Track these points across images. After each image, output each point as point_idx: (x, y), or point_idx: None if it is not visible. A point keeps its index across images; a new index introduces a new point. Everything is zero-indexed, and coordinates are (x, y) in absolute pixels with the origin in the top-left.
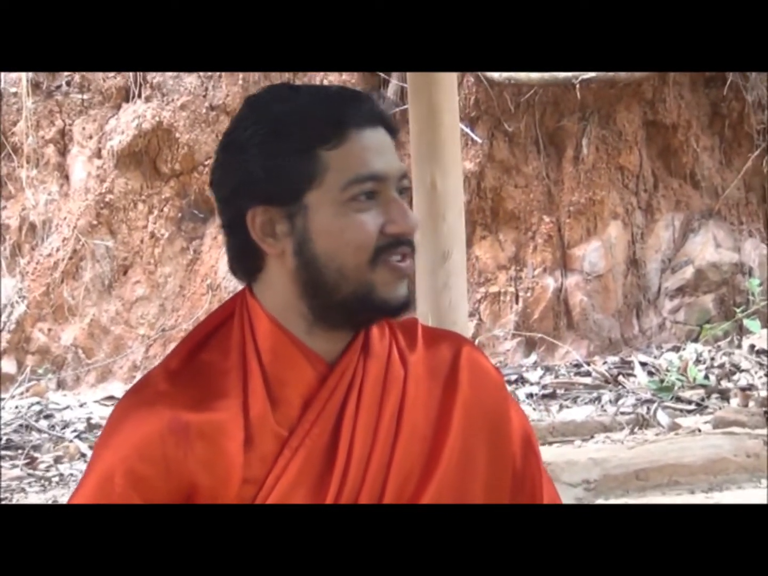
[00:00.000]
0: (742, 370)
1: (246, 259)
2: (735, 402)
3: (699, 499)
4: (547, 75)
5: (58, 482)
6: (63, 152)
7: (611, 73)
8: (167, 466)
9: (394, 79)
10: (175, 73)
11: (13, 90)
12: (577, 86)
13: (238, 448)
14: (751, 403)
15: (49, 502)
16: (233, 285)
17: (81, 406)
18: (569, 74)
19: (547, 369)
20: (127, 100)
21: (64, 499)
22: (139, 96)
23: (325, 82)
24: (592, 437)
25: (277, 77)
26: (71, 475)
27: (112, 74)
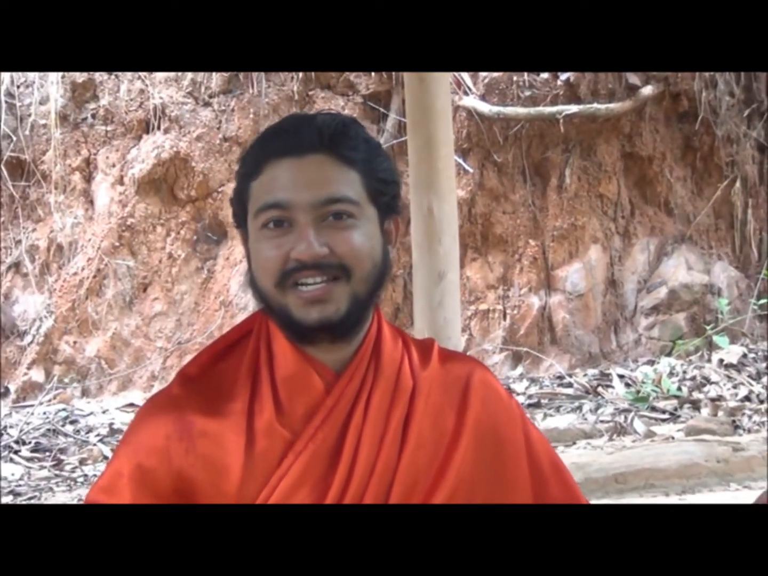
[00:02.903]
0: (712, 383)
1: None
2: (705, 412)
3: (673, 500)
4: (533, 110)
5: (83, 482)
6: (88, 179)
7: (592, 109)
8: (170, 461)
9: (393, 114)
10: (191, 107)
11: (43, 122)
12: (561, 121)
13: (238, 448)
14: (721, 413)
15: (75, 501)
16: (244, 302)
17: (104, 412)
18: (554, 109)
19: (532, 380)
20: (147, 132)
21: None
22: (159, 128)
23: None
24: (574, 443)
25: (285, 112)
26: (95, 475)
27: (134, 107)
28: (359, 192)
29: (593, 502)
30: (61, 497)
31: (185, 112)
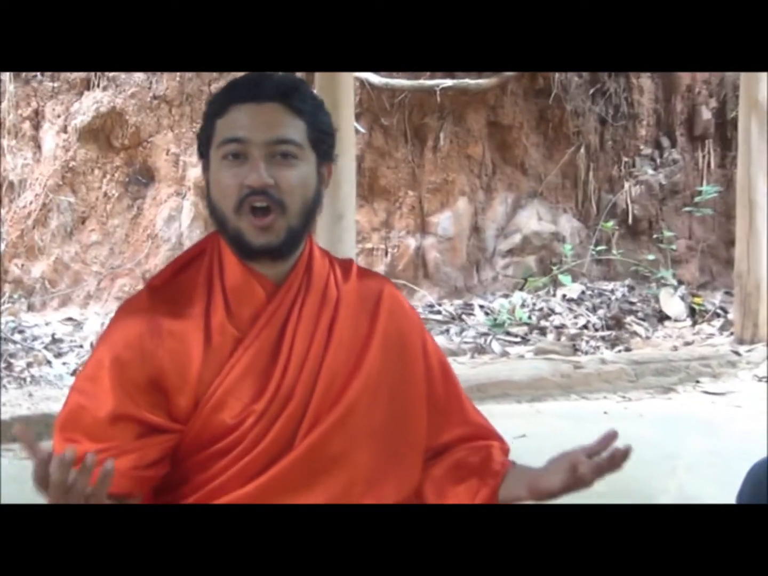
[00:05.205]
0: (556, 313)
1: None
2: (551, 336)
3: (524, 407)
4: (415, 83)
5: (30, 381)
6: (37, 127)
7: (464, 83)
8: (143, 354)
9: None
10: None
11: None
12: (438, 92)
13: (198, 344)
14: (563, 338)
15: (24, 396)
16: (167, 235)
17: (46, 324)
18: (432, 83)
19: None
20: (88, 89)
21: (37, 394)
22: (98, 86)
23: None
24: None
25: (208, 75)
26: (41, 376)
27: None
28: (303, 138)
29: None
30: (13, 393)
31: (121, 73)
